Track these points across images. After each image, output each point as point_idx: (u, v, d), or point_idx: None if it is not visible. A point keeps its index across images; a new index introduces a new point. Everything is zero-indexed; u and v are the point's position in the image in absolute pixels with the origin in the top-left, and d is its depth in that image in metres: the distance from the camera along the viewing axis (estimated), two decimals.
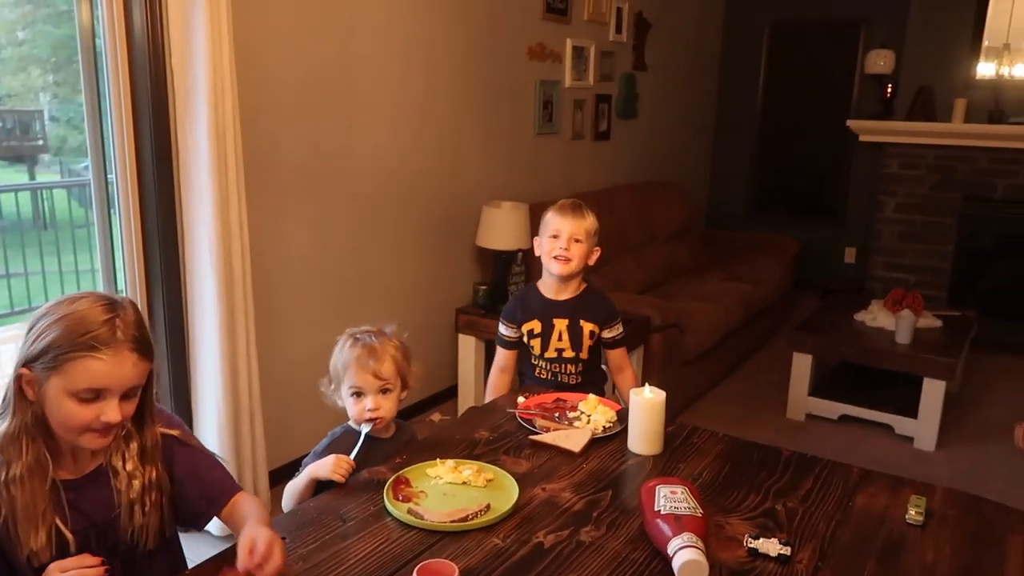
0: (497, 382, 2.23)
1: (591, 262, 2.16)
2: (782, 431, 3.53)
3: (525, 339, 2.19)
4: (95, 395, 1.15)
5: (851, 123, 5.11)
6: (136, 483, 1.26)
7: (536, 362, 2.20)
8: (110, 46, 2.37)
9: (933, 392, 3.40)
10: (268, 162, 2.74)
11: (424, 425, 1.90)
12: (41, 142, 5.72)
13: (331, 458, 1.53)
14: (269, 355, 2.80)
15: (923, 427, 3.44)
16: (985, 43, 4.74)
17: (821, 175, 5.90)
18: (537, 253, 2.19)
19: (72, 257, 4.93)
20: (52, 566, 1.12)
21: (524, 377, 2.28)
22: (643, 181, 5.11)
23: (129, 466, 1.26)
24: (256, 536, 1.16)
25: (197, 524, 1.37)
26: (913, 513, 1.44)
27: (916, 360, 3.45)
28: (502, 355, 2.23)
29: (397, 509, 1.40)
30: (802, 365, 3.69)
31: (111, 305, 1.19)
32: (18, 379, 1.17)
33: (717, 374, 4.12)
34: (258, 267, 2.67)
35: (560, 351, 2.18)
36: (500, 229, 3.50)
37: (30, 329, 1.18)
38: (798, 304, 5.32)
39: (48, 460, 1.20)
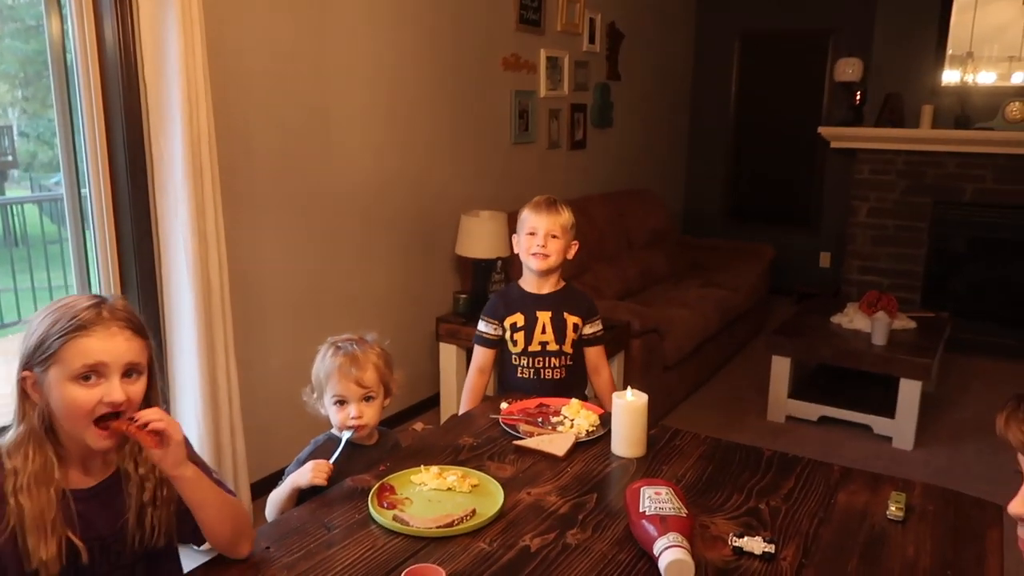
0: (475, 383, 2.21)
1: (569, 256, 2.18)
2: (763, 434, 3.56)
3: (507, 334, 2.18)
4: (94, 373, 1.16)
5: (822, 130, 5.19)
6: (149, 486, 1.26)
7: (518, 360, 2.18)
8: (81, 59, 2.35)
9: (909, 392, 3.45)
10: (244, 173, 2.73)
11: (407, 434, 1.89)
12: (10, 158, 5.63)
13: (309, 464, 1.53)
14: (249, 366, 2.77)
15: (901, 427, 3.49)
16: (949, 51, 4.84)
17: (795, 181, 5.98)
18: (516, 251, 2.20)
19: (45, 274, 4.86)
20: None
21: (504, 380, 2.25)
22: (619, 189, 5.14)
23: (142, 470, 1.27)
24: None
25: (197, 539, 1.34)
26: (894, 509, 1.46)
27: (892, 361, 3.50)
28: (481, 354, 2.22)
29: (382, 516, 1.39)
30: (781, 368, 3.72)
31: (98, 296, 1.22)
32: (22, 383, 1.18)
33: (697, 379, 4.14)
34: (236, 278, 2.65)
35: (544, 344, 2.17)
36: (479, 238, 3.50)
37: (25, 335, 1.19)
38: (775, 309, 5.38)
39: (55, 466, 1.19)
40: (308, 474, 1.51)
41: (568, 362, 2.19)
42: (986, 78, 4.76)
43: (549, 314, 2.17)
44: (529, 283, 2.20)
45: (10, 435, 1.19)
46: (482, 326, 2.21)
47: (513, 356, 2.19)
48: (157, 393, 1.29)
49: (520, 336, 2.17)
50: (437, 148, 3.64)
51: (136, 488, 1.26)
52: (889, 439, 3.52)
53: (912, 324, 3.84)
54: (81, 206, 2.51)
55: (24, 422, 1.18)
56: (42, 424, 1.18)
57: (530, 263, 2.14)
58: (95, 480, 1.25)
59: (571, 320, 2.18)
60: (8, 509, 1.15)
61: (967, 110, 4.77)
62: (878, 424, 3.56)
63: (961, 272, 5.12)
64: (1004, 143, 4.59)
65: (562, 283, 2.22)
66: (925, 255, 5.02)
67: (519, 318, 2.17)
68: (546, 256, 2.11)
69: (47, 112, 2.50)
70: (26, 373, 1.17)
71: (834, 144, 5.19)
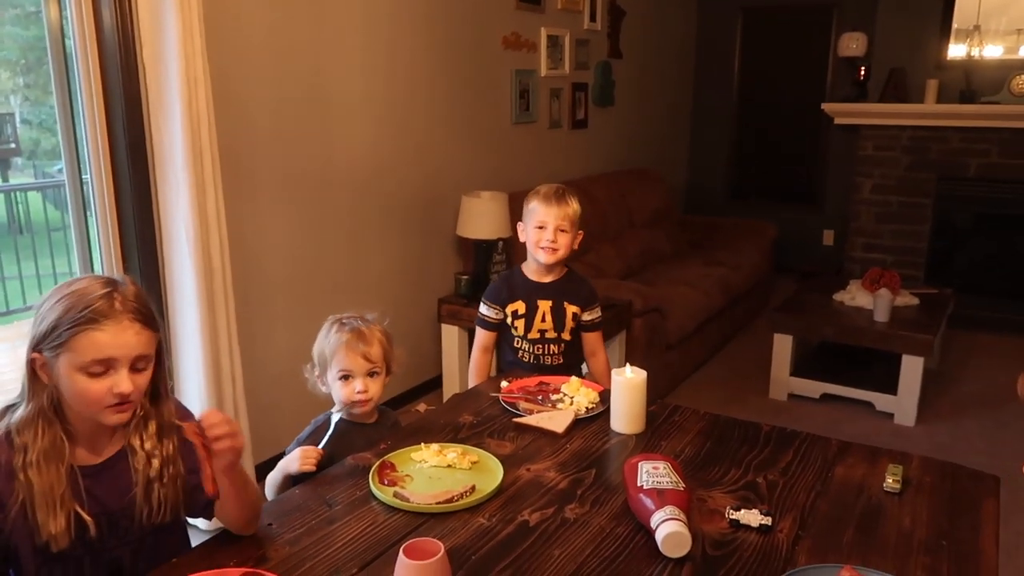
0: (480, 361, 2.26)
1: (576, 247, 2.20)
2: (765, 411, 3.57)
3: (509, 320, 2.21)
4: (104, 367, 1.17)
5: (826, 106, 5.15)
6: (156, 462, 1.28)
7: (519, 344, 2.23)
8: (80, 43, 2.35)
9: (912, 368, 3.45)
10: (245, 155, 2.73)
11: (410, 415, 1.91)
12: (13, 145, 5.65)
13: (298, 451, 1.54)
14: (252, 348, 2.79)
15: (903, 403, 3.49)
16: (955, 25, 4.79)
17: (798, 158, 5.95)
18: (522, 239, 2.21)
19: (49, 260, 4.89)
20: None
21: (505, 361, 2.29)
22: (621, 169, 5.13)
23: (148, 445, 1.28)
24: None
25: (207, 513, 1.37)
26: (890, 481, 1.47)
27: (894, 337, 3.50)
28: (483, 336, 2.26)
29: (383, 493, 1.41)
30: (783, 346, 3.73)
31: (110, 281, 1.22)
32: (31, 364, 1.20)
33: (699, 358, 4.15)
34: (238, 260, 2.66)
35: (543, 332, 2.21)
36: (480, 219, 3.50)
37: (35, 316, 1.20)
38: (778, 287, 5.37)
39: (65, 444, 1.21)
40: (296, 460, 1.53)
41: (565, 348, 2.24)
42: (993, 52, 4.71)
43: (550, 303, 2.20)
44: (532, 271, 2.23)
45: (19, 412, 1.21)
46: (484, 309, 2.24)
47: (515, 339, 2.23)
48: (165, 377, 1.31)
49: (520, 323, 2.21)
50: (437, 128, 3.63)
51: (143, 463, 1.27)
52: (891, 416, 3.53)
53: (915, 300, 3.83)
54: (83, 192, 2.52)
55: (33, 401, 1.20)
56: (51, 404, 1.21)
57: (539, 256, 2.16)
58: (102, 457, 1.27)
59: (571, 310, 2.21)
60: (18, 484, 1.18)
61: (972, 84, 4.73)
62: (880, 401, 3.57)
63: (965, 248, 5.10)
64: (1010, 117, 4.56)
65: (564, 270, 2.24)
66: (929, 231, 5.01)
67: (520, 306, 2.21)
68: (555, 250, 2.14)
69: (49, 99, 2.50)
70: (35, 355, 1.19)
71: (838, 120, 5.16)
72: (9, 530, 1.20)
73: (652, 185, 5.17)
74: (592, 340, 2.27)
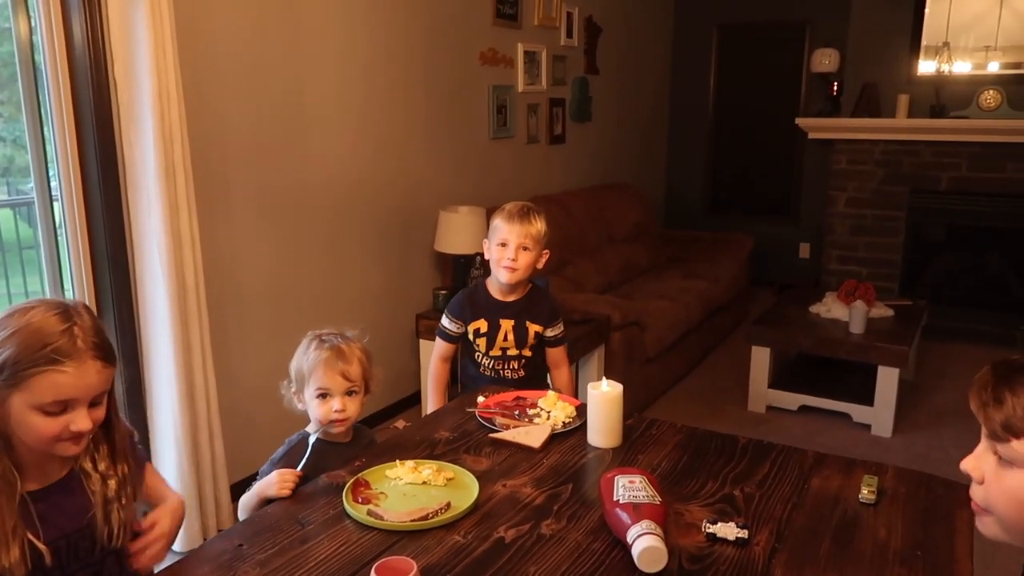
0: (438, 371, 2.28)
1: (539, 266, 2.20)
2: (743, 424, 3.58)
3: (471, 337, 2.23)
4: (62, 407, 1.13)
5: (800, 121, 5.22)
6: (112, 482, 1.25)
7: (480, 359, 2.25)
8: (50, 59, 2.32)
9: (887, 379, 3.48)
10: (218, 171, 2.71)
11: (389, 432, 1.89)
12: None
13: (275, 475, 1.51)
14: (227, 367, 2.76)
15: (879, 414, 3.52)
16: (924, 42, 4.88)
17: (774, 173, 6.02)
18: (487, 256, 2.22)
19: (21, 279, 4.81)
20: None
21: (467, 373, 2.31)
22: (599, 183, 5.16)
23: (102, 466, 1.25)
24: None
25: None
26: (866, 492, 1.47)
27: (870, 349, 3.53)
28: (442, 347, 2.27)
29: (356, 511, 1.39)
30: (761, 358, 3.75)
31: (65, 313, 1.15)
32: None
33: (678, 371, 4.16)
34: (212, 277, 2.63)
35: (504, 350, 2.23)
36: (458, 233, 3.50)
37: None
38: (756, 300, 5.41)
39: (15, 475, 1.16)
40: (273, 484, 1.49)
41: (526, 363, 2.25)
42: (962, 67, 4.80)
43: (512, 323, 2.21)
44: (496, 288, 2.23)
45: None
46: (445, 322, 2.25)
47: (476, 354, 2.25)
48: (115, 402, 1.27)
49: (482, 341, 2.22)
50: (415, 143, 3.63)
51: (99, 485, 1.24)
52: (868, 427, 3.55)
53: (890, 312, 3.87)
54: (53, 210, 2.49)
55: None
56: None
57: (499, 275, 2.17)
58: (52, 478, 1.23)
59: (533, 328, 2.23)
60: None
61: (943, 99, 4.82)
62: (857, 412, 3.59)
63: (938, 260, 5.17)
64: (979, 131, 4.64)
65: (529, 287, 2.25)
66: (903, 244, 5.07)
67: (483, 324, 2.21)
68: (515, 269, 2.14)
69: (23, 116, 2.47)
70: None
71: (812, 135, 5.23)
72: None
73: (630, 200, 5.20)
74: (556, 354, 2.30)
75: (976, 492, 0.96)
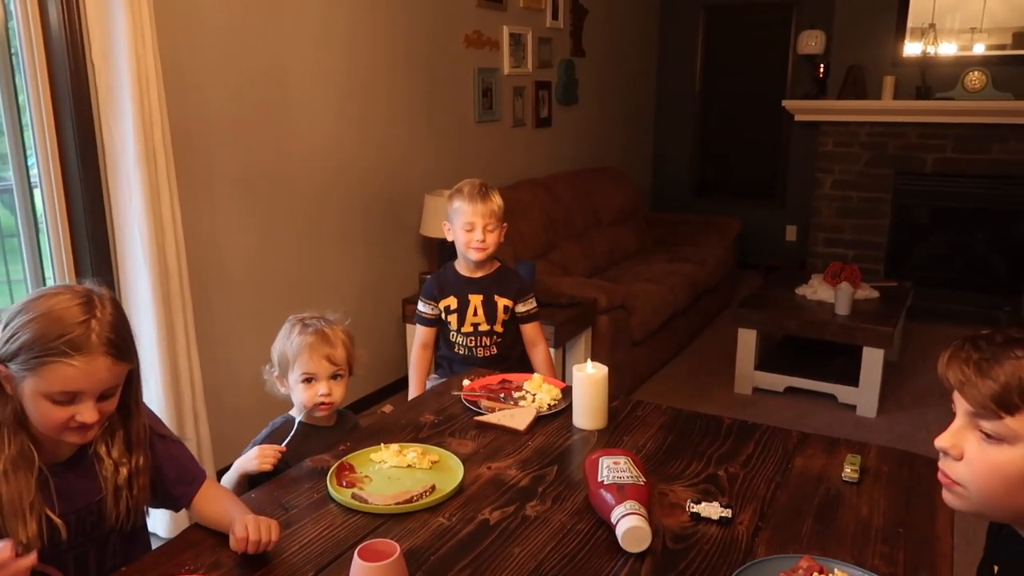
0: (420, 358, 2.32)
1: (502, 239, 2.25)
2: (730, 406, 3.60)
3: (443, 315, 2.27)
4: (69, 397, 1.14)
5: (786, 103, 5.22)
6: (124, 470, 1.27)
7: (454, 338, 2.28)
8: (26, 43, 2.28)
9: (872, 361, 3.50)
10: (200, 153, 2.68)
11: (375, 418, 1.89)
12: None
13: (255, 450, 1.51)
14: (211, 351, 2.74)
15: (864, 395, 3.55)
16: (910, 24, 4.88)
17: (760, 155, 6.02)
18: (449, 239, 2.27)
19: (3, 267, 4.76)
20: None
21: (439, 354, 2.35)
22: (586, 167, 5.14)
23: (115, 454, 1.27)
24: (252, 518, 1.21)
25: (176, 505, 1.38)
26: (849, 471, 1.48)
27: (855, 330, 3.55)
28: (422, 332, 2.32)
29: (341, 495, 1.38)
30: (747, 340, 3.76)
31: (88, 304, 1.16)
32: None
33: (665, 354, 4.17)
34: (195, 262, 2.61)
35: (476, 325, 2.26)
36: (443, 217, 3.46)
37: (6, 325, 1.16)
38: (742, 283, 5.43)
39: (33, 451, 1.19)
40: (255, 460, 1.49)
41: (499, 340, 2.28)
42: (947, 49, 4.81)
43: (480, 297, 2.25)
44: (464, 267, 2.28)
45: None
46: (421, 306, 2.30)
47: (451, 333, 2.28)
48: (139, 394, 1.29)
49: (453, 318, 2.26)
50: (399, 126, 3.60)
51: (111, 471, 1.26)
52: (853, 407, 3.58)
53: (875, 294, 3.89)
54: (33, 196, 2.45)
55: None
56: (15, 413, 1.17)
57: (470, 256, 2.22)
58: (67, 454, 1.25)
59: (501, 302, 2.26)
60: None
61: (928, 81, 4.82)
62: (842, 393, 3.62)
63: (923, 242, 5.20)
64: (964, 112, 4.65)
65: (496, 264, 2.30)
66: (888, 226, 5.09)
67: (452, 301, 2.26)
68: (484, 249, 2.19)
69: (1, 102, 2.43)
70: (0, 367, 1.15)
71: (798, 117, 5.23)
72: None
73: (617, 183, 5.19)
74: (530, 331, 2.32)
75: (953, 468, 0.96)
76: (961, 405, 0.95)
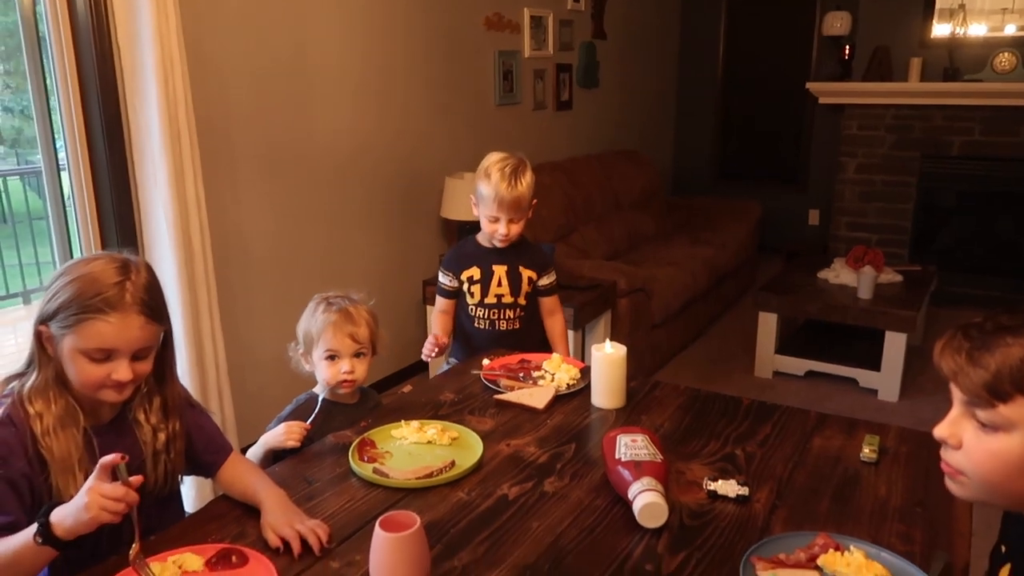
0: (441, 320, 2.26)
1: (530, 215, 2.20)
2: (749, 389, 3.59)
3: (465, 286, 2.22)
4: (105, 355, 1.19)
5: (810, 85, 5.16)
6: (161, 435, 1.32)
7: (475, 311, 2.23)
8: (53, 27, 2.32)
9: (895, 345, 3.48)
10: (224, 136, 2.71)
11: (396, 398, 1.91)
12: None
13: (282, 426, 1.54)
14: (235, 332, 2.78)
15: (886, 379, 3.52)
16: (939, 4, 4.80)
17: (783, 138, 5.95)
18: (475, 214, 2.20)
19: (32, 250, 4.84)
20: (92, 488, 1.08)
21: (461, 329, 2.29)
22: (606, 150, 5.12)
23: (153, 419, 1.32)
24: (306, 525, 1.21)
25: (207, 472, 1.42)
26: (867, 451, 1.48)
27: (877, 314, 3.52)
28: (441, 302, 2.27)
29: (362, 469, 1.41)
30: (768, 324, 3.75)
31: (124, 267, 1.22)
32: (38, 335, 1.22)
33: (685, 337, 4.17)
34: (218, 243, 2.65)
35: (499, 296, 2.21)
36: (463, 200, 3.47)
37: (48, 287, 1.22)
38: (763, 267, 5.39)
39: (78, 409, 1.24)
40: (282, 436, 1.52)
41: (522, 313, 2.24)
42: (977, 30, 4.72)
43: (505, 268, 2.20)
44: (486, 239, 2.22)
45: (31, 382, 1.23)
46: (441, 277, 2.26)
47: (470, 307, 2.23)
48: (173, 361, 1.35)
49: (477, 288, 2.21)
50: (420, 110, 3.61)
51: (149, 436, 1.31)
52: (875, 392, 3.56)
53: (898, 278, 3.85)
54: (61, 179, 2.50)
55: (42, 371, 1.23)
56: (56, 373, 1.23)
57: (495, 240, 2.17)
58: (107, 417, 1.30)
59: (526, 274, 2.22)
60: (40, 450, 1.20)
61: (956, 62, 4.74)
62: (864, 377, 3.59)
63: (949, 226, 5.13)
64: (993, 94, 4.57)
65: (519, 238, 2.24)
66: (913, 210, 5.03)
67: (475, 271, 2.20)
68: (508, 238, 2.14)
69: (30, 86, 2.47)
70: (42, 327, 1.21)
71: (822, 100, 5.16)
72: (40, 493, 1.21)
73: (638, 166, 5.17)
74: (550, 302, 2.29)
75: (953, 457, 0.96)
76: (956, 394, 0.95)
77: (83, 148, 2.43)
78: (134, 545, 1.12)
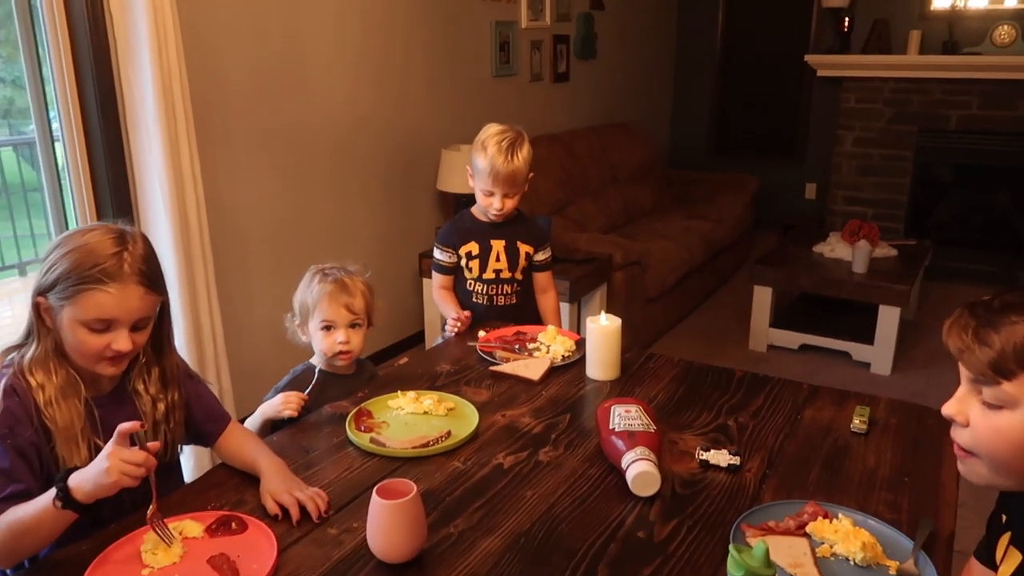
0: (445, 296, 2.24)
1: (526, 188, 2.18)
2: (744, 362, 3.62)
3: (463, 262, 2.21)
4: (105, 325, 1.20)
5: (809, 58, 5.13)
6: (161, 406, 1.34)
7: (472, 287, 2.22)
8: None
9: (888, 319, 3.50)
10: (219, 108, 2.69)
11: (392, 369, 1.92)
12: None
13: (280, 396, 1.55)
14: (232, 306, 2.79)
15: (879, 353, 3.55)
16: None
17: (781, 112, 5.93)
18: (471, 186, 2.18)
19: (27, 221, 4.82)
20: (112, 452, 1.09)
21: (459, 302, 2.25)
22: (604, 123, 5.10)
23: (152, 390, 1.33)
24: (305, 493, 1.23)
25: (206, 442, 1.44)
26: (857, 422, 1.50)
27: (871, 288, 3.54)
28: (440, 278, 2.25)
29: (359, 439, 1.43)
30: (763, 297, 3.76)
31: (120, 237, 1.23)
32: (36, 307, 1.22)
33: (681, 311, 4.19)
34: (214, 216, 2.64)
35: (498, 272, 2.20)
36: (460, 172, 3.47)
37: (45, 259, 1.22)
38: (760, 241, 5.40)
39: (79, 380, 1.25)
40: (278, 405, 1.54)
41: (519, 288, 2.24)
42: (977, 2, 4.69)
43: (503, 243, 2.19)
44: (482, 212, 2.20)
45: (31, 353, 1.24)
46: (437, 253, 2.23)
47: (468, 282, 2.22)
48: (170, 332, 1.36)
49: (475, 264, 2.20)
50: (416, 81, 3.58)
51: (149, 406, 1.33)
52: (868, 365, 3.59)
53: (893, 252, 3.87)
54: (55, 150, 2.48)
55: (41, 342, 1.24)
56: (55, 345, 1.24)
57: (489, 214, 2.15)
58: (107, 389, 1.31)
59: (523, 249, 2.21)
60: (44, 420, 1.21)
61: (955, 35, 4.72)
62: (857, 351, 3.62)
63: (945, 200, 5.14)
64: (992, 68, 4.56)
65: (515, 212, 2.23)
66: (910, 184, 5.03)
67: (474, 247, 2.19)
68: (503, 213, 2.13)
69: (22, 56, 2.45)
70: (40, 299, 1.22)
71: (821, 72, 5.14)
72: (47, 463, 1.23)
73: (635, 140, 5.15)
74: (543, 278, 2.29)
75: (961, 435, 0.97)
76: (963, 372, 0.96)
77: (77, 118, 2.41)
78: (151, 505, 1.14)
